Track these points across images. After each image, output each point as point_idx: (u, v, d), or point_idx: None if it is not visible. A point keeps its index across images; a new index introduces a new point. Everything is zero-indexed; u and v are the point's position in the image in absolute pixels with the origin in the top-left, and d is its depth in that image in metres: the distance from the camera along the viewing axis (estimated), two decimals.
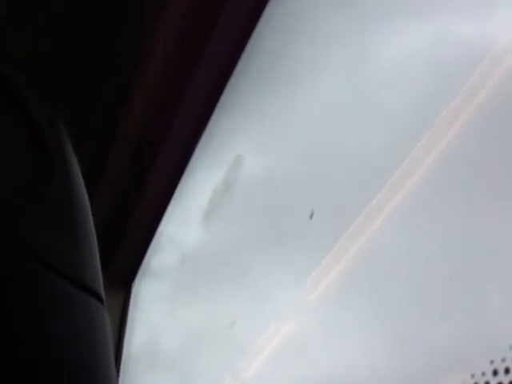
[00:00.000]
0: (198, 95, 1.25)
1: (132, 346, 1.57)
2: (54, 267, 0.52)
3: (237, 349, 1.07)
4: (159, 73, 1.23)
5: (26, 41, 1.20)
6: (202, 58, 1.19)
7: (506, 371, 0.54)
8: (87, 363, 0.49)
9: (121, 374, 1.55)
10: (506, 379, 0.54)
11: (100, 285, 0.54)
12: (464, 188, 0.66)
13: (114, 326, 1.56)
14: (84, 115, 1.30)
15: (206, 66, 1.20)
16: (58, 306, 0.50)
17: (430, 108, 0.71)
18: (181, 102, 1.26)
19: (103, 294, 0.53)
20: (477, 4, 0.67)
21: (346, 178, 0.87)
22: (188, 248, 1.39)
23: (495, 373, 0.55)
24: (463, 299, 0.62)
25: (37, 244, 0.52)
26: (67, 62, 1.25)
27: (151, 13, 1.15)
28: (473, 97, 0.66)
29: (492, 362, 0.55)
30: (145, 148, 1.36)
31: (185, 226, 1.43)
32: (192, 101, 1.26)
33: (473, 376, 0.57)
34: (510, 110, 0.61)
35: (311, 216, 0.89)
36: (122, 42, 1.22)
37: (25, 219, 0.52)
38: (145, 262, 1.60)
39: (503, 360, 0.54)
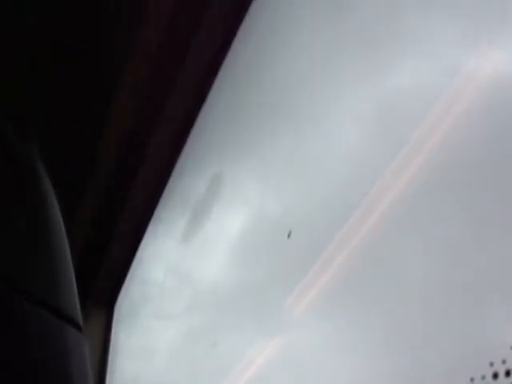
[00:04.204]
0: (174, 115, 1.24)
1: (115, 369, 1.55)
2: (29, 294, 0.50)
3: (219, 368, 1.06)
4: (135, 94, 1.21)
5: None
6: (180, 76, 1.17)
7: (507, 374, 0.52)
8: None
9: None
10: (506, 382, 0.52)
11: (77, 312, 0.52)
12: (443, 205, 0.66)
13: (97, 349, 1.54)
14: (60, 140, 1.28)
15: (184, 84, 1.18)
16: (32, 334, 0.48)
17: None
18: (157, 125, 1.24)
19: (81, 321, 0.51)
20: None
21: (325, 196, 0.87)
22: (168, 268, 1.38)
23: (495, 376, 0.53)
24: (461, 299, 0.61)
25: (11, 271, 0.50)
26: (42, 87, 1.23)
27: (126, 39, 1.14)
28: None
29: (492, 364, 0.53)
30: (123, 169, 1.34)
31: (164, 247, 1.42)
32: (168, 125, 1.25)
33: (472, 380, 0.56)
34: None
35: (289, 235, 0.89)
36: (97, 67, 1.20)
37: None
38: (126, 282, 1.58)
39: (504, 362, 0.52)
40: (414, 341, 0.66)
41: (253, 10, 1.06)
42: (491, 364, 0.53)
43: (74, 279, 0.54)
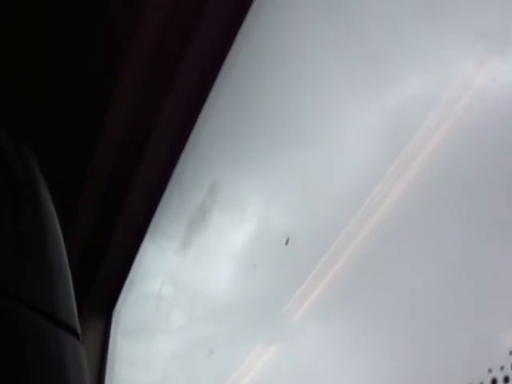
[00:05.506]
0: (172, 124, 1.23)
1: (113, 377, 1.54)
2: (27, 301, 0.50)
3: (218, 375, 1.05)
4: (133, 99, 1.21)
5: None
6: (176, 82, 1.17)
7: (506, 380, 0.52)
8: None
9: None
10: None
11: (75, 320, 0.52)
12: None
13: (95, 357, 1.54)
14: (57, 147, 1.28)
15: (181, 91, 1.18)
16: (29, 340, 0.48)
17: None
18: (155, 130, 1.24)
19: (79, 329, 0.51)
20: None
21: (324, 203, 0.87)
22: (166, 276, 1.38)
23: (494, 382, 0.53)
24: (459, 305, 0.60)
25: (7, 277, 0.50)
26: (41, 96, 1.23)
27: (124, 39, 1.14)
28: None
29: (490, 370, 0.53)
30: (121, 174, 1.34)
31: (162, 253, 1.41)
32: (166, 129, 1.24)
33: None
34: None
35: (287, 242, 0.89)
36: (95, 69, 1.20)
37: None
38: (124, 289, 1.57)
39: (502, 368, 0.52)
40: (412, 347, 0.66)
41: (252, 11, 1.06)
42: (489, 370, 0.53)
43: (71, 286, 0.54)
